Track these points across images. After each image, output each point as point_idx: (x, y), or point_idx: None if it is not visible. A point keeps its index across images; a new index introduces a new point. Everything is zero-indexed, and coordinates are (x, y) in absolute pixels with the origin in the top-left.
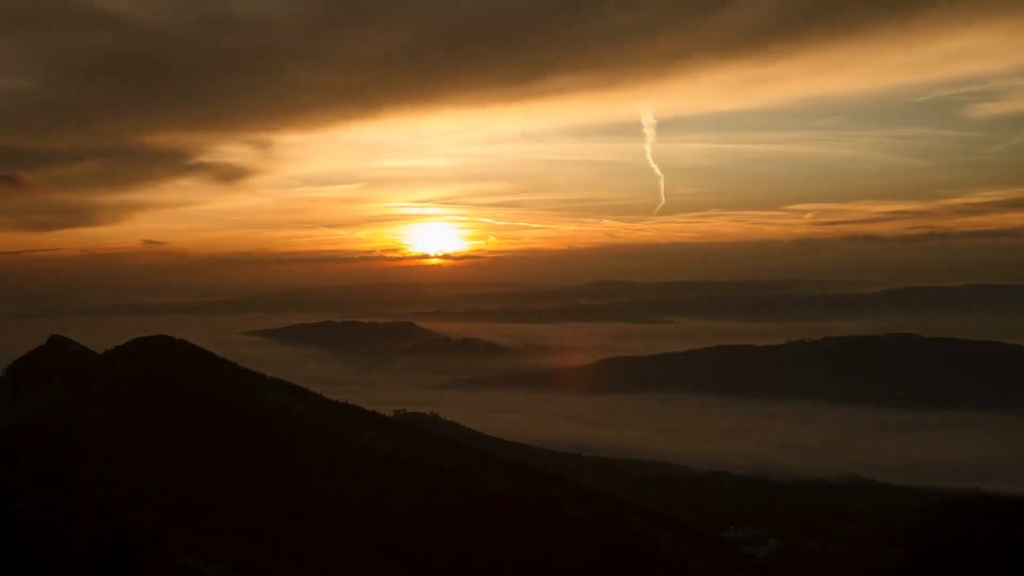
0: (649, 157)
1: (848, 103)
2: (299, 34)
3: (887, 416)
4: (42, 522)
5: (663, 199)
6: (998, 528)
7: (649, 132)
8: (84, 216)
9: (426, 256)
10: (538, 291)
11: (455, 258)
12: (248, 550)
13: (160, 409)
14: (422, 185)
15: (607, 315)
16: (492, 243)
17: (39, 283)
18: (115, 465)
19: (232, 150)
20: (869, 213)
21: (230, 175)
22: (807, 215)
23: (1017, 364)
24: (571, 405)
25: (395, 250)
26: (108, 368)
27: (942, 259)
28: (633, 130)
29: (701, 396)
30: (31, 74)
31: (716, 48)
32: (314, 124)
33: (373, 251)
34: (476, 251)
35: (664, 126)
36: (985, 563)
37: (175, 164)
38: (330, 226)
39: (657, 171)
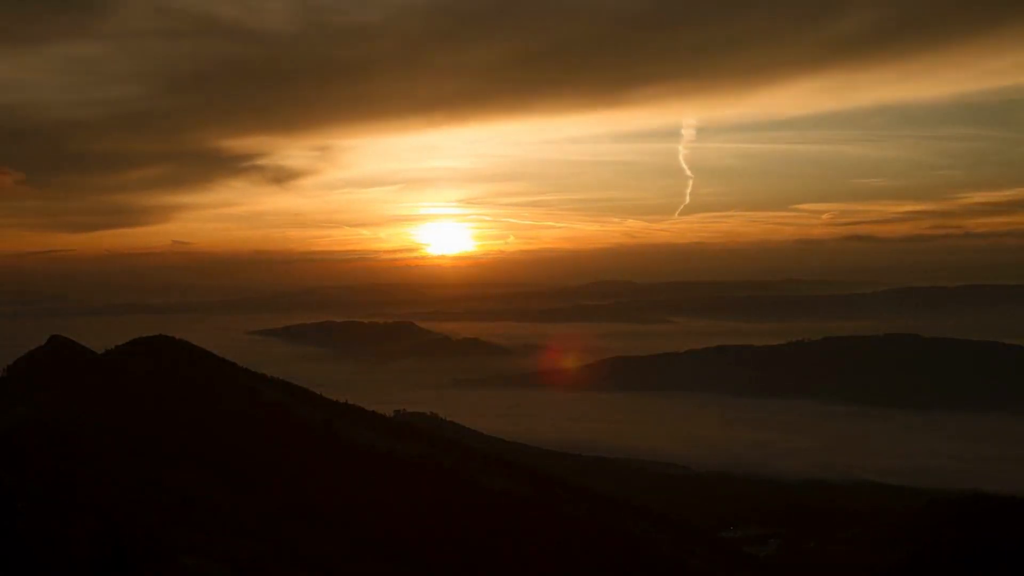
0: (681, 159)
1: (909, 108)
2: (397, 44)
3: (887, 416)
4: (42, 522)
5: (687, 199)
6: (998, 528)
7: (687, 133)
8: (130, 217)
9: (426, 256)
10: (539, 291)
11: (459, 258)
12: (248, 550)
13: (160, 409)
14: (457, 185)
15: (608, 315)
16: (512, 243)
17: (50, 283)
18: (115, 465)
19: (293, 153)
20: (887, 213)
21: (282, 177)
22: (824, 215)
23: (1017, 364)
24: (571, 405)
25: (410, 250)
26: (108, 368)
27: (942, 259)
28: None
29: (701, 396)
30: (139, 82)
31: (798, 59)
32: (386, 130)
33: (377, 251)
34: (482, 251)
35: (708, 131)
36: (985, 563)
37: (233, 166)
38: (354, 226)
39: (687, 172)
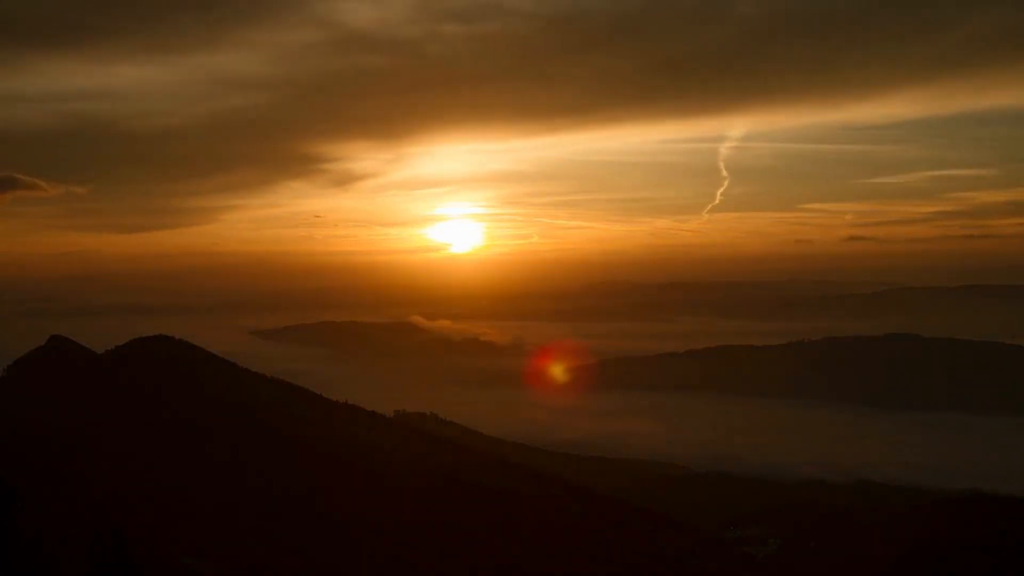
0: (721, 161)
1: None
2: (504, 53)
3: (887, 416)
4: (42, 522)
5: (717, 199)
6: (998, 528)
7: (730, 134)
8: (178, 218)
9: (435, 254)
10: (540, 291)
11: (462, 258)
12: (248, 550)
13: (160, 409)
14: (501, 187)
15: (608, 315)
16: (535, 242)
17: (58, 284)
18: (115, 465)
19: (366, 157)
20: (912, 214)
21: (344, 179)
22: (847, 216)
23: (1017, 364)
24: (571, 405)
25: (427, 250)
26: (108, 368)
27: (942, 259)
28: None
29: (701, 396)
30: (263, 89)
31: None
32: (468, 138)
33: (391, 251)
34: (497, 250)
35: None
36: (984, 562)
37: (300, 169)
38: (385, 225)
39: (723, 172)
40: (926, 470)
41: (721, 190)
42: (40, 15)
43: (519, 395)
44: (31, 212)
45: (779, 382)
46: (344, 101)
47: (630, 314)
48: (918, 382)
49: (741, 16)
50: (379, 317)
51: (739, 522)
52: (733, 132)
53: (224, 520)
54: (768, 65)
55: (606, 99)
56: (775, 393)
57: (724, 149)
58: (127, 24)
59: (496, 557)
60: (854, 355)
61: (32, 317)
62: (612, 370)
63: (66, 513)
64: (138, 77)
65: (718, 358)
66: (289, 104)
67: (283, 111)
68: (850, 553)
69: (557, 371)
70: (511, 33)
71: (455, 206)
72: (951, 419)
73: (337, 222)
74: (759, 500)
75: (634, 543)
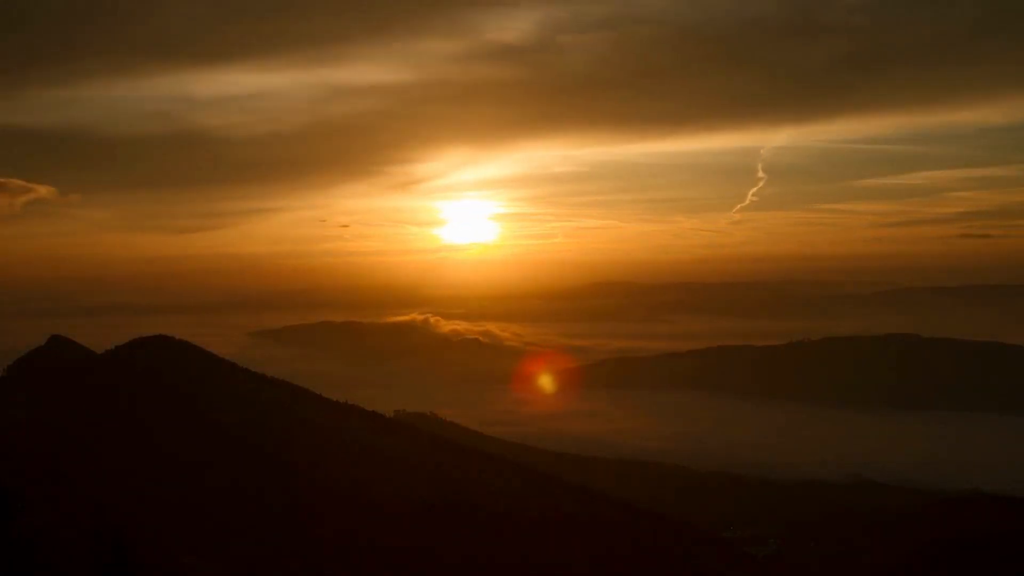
0: (760, 163)
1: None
2: (612, 61)
3: (887, 416)
4: (42, 522)
5: (748, 199)
6: (998, 528)
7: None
8: (223, 220)
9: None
10: (540, 291)
11: (468, 257)
12: (248, 550)
13: (160, 409)
14: (545, 188)
15: (608, 315)
16: (557, 242)
17: (62, 283)
18: (115, 465)
19: (437, 162)
20: (934, 214)
21: (406, 182)
22: (868, 216)
23: (1017, 364)
24: (571, 405)
25: (438, 251)
26: (108, 368)
27: (942, 259)
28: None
29: (701, 396)
30: (377, 96)
31: None
32: (542, 145)
33: (402, 251)
34: (513, 250)
35: None
36: (985, 562)
37: (364, 171)
38: (419, 225)
39: (760, 173)
40: (926, 470)
41: (754, 190)
42: (172, 30)
43: (519, 395)
44: (113, 213)
45: (779, 382)
46: (434, 108)
47: (630, 314)
48: (918, 382)
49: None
50: (380, 317)
51: (739, 522)
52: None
53: (224, 520)
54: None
55: (696, 108)
56: (775, 393)
57: (765, 152)
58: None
59: (496, 556)
60: (854, 355)
61: (32, 317)
62: (612, 370)
63: (66, 514)
64: (255, 84)
65: (718, 358)
66: (390, 110)
67: (377, 117)
68: (850, 553)
69: (557, 371)
70: (621, 43)
71: (493, 206)
72: (951, 419)
73: (373, 223)
74: (759, 500)
75: (634, 543)
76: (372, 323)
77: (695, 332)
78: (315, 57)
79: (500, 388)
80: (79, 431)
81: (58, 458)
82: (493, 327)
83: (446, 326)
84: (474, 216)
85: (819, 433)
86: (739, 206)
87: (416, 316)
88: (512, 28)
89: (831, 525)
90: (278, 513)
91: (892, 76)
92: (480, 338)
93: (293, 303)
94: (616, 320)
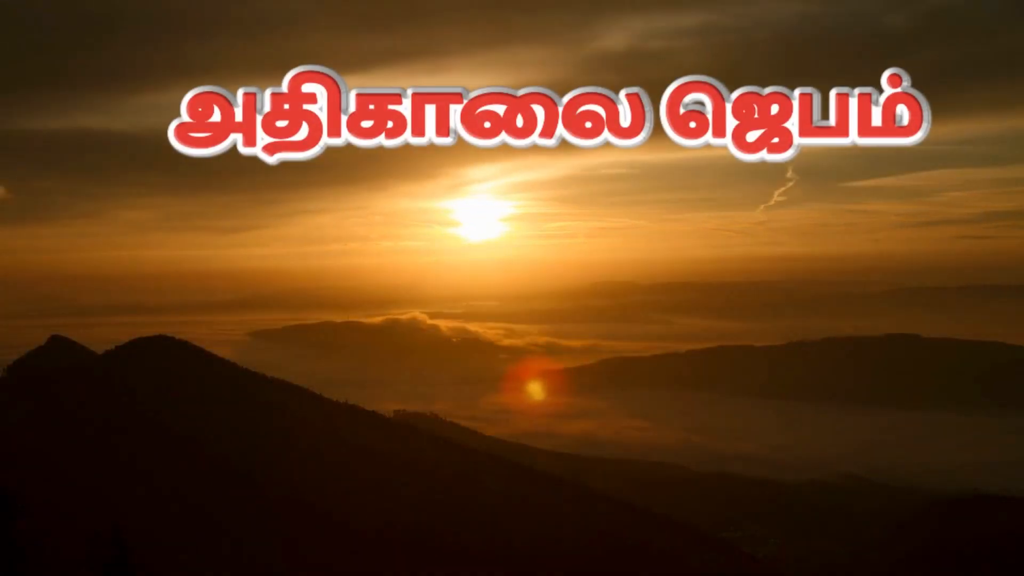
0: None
1: None
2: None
3: (887, 416)
4: (42, 524)
5: (773, 199)
6: (998, 528)
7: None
8: (265, 221)
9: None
10: (540, 291)
11: (476, 257)
12: (248, 550)
13: (160, 409)
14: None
15: (608, 315)
16: (578, 241)
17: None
18: (115, 466)
19: (491, 164)
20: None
21: (461, 183)
22: (891, 217)
23: (1017, 364)
24: (571, 405)
25: (448, 251)
26: (108, 368)
27: (942, 259)
28: None
29: (701, 396)
30: None
31: None
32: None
33: (406, 251)
34: (525, 249)
35: None
36: (985, 562)
37: (422, 173)
38: (445, 225)
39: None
40: (926, 470)
41: (780, 190)
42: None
43: (519, 395)
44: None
45: (779, 382)
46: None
47: (630, 314)
48: (918, 382)
49: None
50: (379, 316)
51: (739, 522)
52: None
53: (224, 520)
54: None
55: None
56: (775, 393)
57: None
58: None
59: (496, 557)
60: (854, 355)
61: (32, 317)
62: (611, 370)
63: (66, 515)
64: None
65: (718, 358)
66: None
67: None
68: (850, 553)
69: (557, 371)
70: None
71: (524, 206)
72: (951, 419)
73: (407, 223)
74: (759, 500)
75: (634, 543)
76: (372, 323)
77: (695, 332)
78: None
79: (500, 388)
80: (79, 431)
81: (58, 458)
82: (494, 327)
83: (447, 326)
84: (498, 216)
85: (819, 433)
86: (763, 205)
87: (417, 316)
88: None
89: (831, 525)
90: (278, 514)
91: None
92: (481, 338)
93: (293, 303)
94: (616, 320)
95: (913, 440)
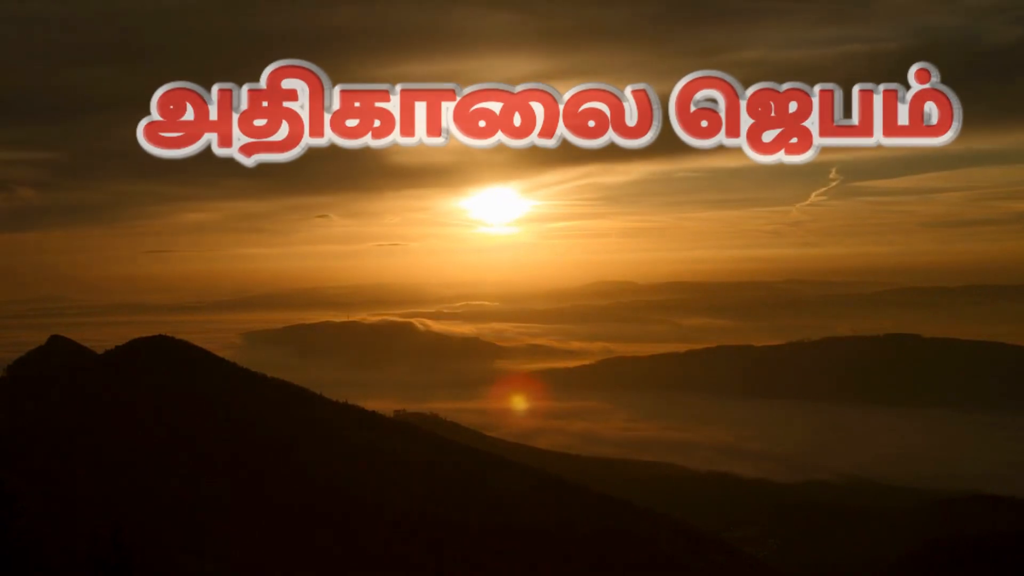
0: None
1: None
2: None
3: (887, 416)
4: (41, 523)
5: (811, 199)
6: (998, 528)
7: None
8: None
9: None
10: (540, 291)
11: (484, 257)
12: (248, 550)
13: (159, 409)
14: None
15: (608, 315)
16: (607, 240)
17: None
18: (115, 466)
19: (556, 171)
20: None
21: (465, 183)
22: (891, 216)
23: (1017, 364)
24: (570, 405)
25: (476, 251)
26: (107, 368)
27: (942, 259)
28: None
29: (701, 396)
30: None
31: None
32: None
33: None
34: (528, 248)
35: None
36: (985, 563)
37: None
38: (445, 225)
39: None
40: (926, 470)
41: (817, 192)
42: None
43: (519, 395)
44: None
45: (779, 382)
46: None
47: (630, 314)
48: (918, 382)
49: None
50: (379, 316)
51: (739, 522)
52: None
53: (224, 520)
54: None
55: None
56: (775, 393)
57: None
58: None
59: (496, 557)
60: (854, 355)
61: (32, 317)
62: (611, 370)
63: (65, 514)
64: None
65: (718, 358)
66: None
67: None
68: (850, 553)
69: (556, 371)
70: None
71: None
72: (951, 419)
73: (438, 222)
74: (759, 500)
75: (634, 543)
76: (372, 323)
77: (695, 332)
78: None
79: (500, 388)
80: (79, 431)
81: (57, 459)
82: (494, 327)
83: (447, 326)
84: (499, 216)
85: (819, 433)
86: (797, 205)
87: (417, 316)
88: None
89: (831, 525)
90: (278, 514)
91: None
92: (481, 338)
93: (293, 303)
94: (616, 320)
95: (912, 440)
